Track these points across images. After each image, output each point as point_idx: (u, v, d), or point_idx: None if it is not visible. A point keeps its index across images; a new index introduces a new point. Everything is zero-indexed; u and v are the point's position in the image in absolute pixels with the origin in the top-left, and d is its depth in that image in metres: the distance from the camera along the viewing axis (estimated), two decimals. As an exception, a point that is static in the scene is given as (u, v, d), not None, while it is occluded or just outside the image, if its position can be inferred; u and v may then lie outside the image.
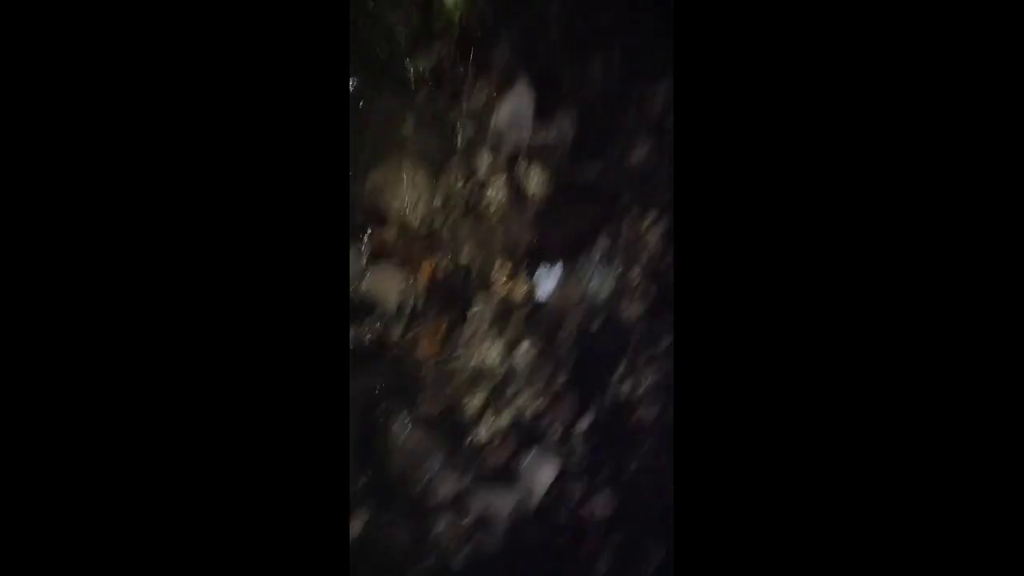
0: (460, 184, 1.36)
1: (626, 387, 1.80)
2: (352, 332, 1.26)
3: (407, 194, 1.27)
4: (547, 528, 1.68)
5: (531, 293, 1.45)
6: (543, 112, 1.51)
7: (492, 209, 1.40)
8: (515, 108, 1.37)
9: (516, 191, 1.40)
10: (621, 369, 1.78)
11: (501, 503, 1.55)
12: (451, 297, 1.38)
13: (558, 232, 1.54)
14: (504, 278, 1.40)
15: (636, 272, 1.78)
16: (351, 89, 1.18)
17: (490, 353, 1.45)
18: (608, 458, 1.79)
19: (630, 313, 1.76)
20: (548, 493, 1.62)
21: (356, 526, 1.33)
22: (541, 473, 1.60)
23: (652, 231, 1.81)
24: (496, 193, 1.39)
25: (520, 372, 1.51)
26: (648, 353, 1.80)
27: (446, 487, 1.43)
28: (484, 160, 1.33)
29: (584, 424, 1.71)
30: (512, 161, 1.35)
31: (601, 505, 1.83)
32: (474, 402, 1.45)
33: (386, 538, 1.39)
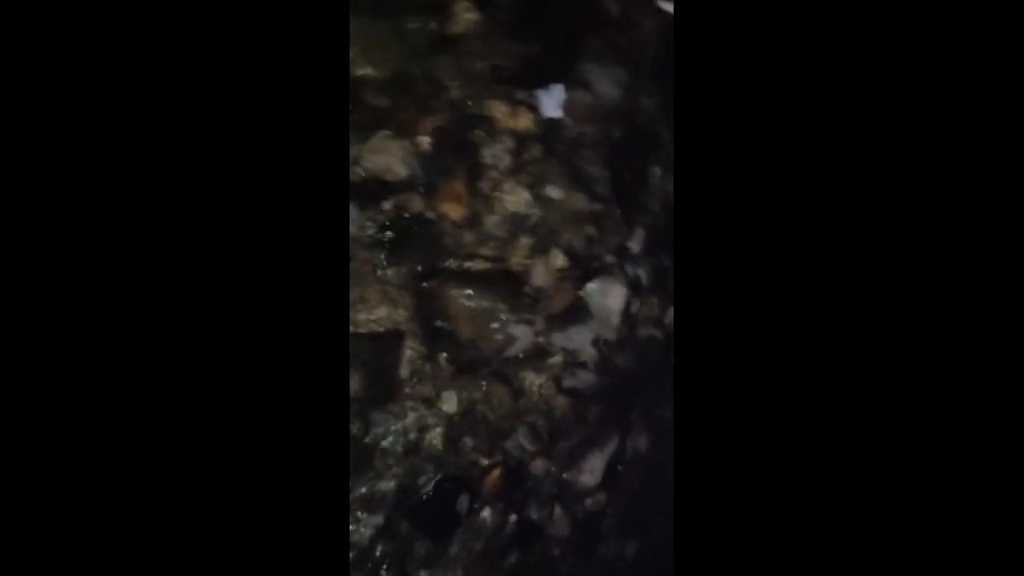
0: (421, 23, 1.19)
1: (670, 187, 1.68)
2: (370, 214, 1.17)
3: (372, 53, 1.12)
4: (635, 351, 1.65)
5: (538, 117, 1.32)
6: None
7: (465, 35, 1.24)
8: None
9: (483, 9, 1.23)
10: (658, 171, 1.66)
11: (582, 339, 1.51)
12: (459, 147, 1.26)
13: (543, 43, 1.37)
14: (504, 109, 1.26)
15: (641, 67, 1.61)
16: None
17: (520, 195, 1.35)
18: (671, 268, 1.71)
19: (648, 109, 1.62)
20: (624, 317, 1.57)
21: (452, 404, 1.31)
22: (611, 300, 1.54)
23: (646, 21, 1.62)
24: (462, 18, 1.22)
25: (556, 205, 1.41)
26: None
27: (523, 340, 1.39)
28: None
29: (637, 240, 1.62)
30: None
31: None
32: (520, 250, 1.37)
33: (486, 406, 1.37)
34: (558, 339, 1.47)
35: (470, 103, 1.25)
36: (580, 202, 1.47)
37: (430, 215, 1.26)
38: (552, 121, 1.36)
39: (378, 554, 1.29)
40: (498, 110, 1.27)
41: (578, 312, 1.50)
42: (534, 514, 1.52)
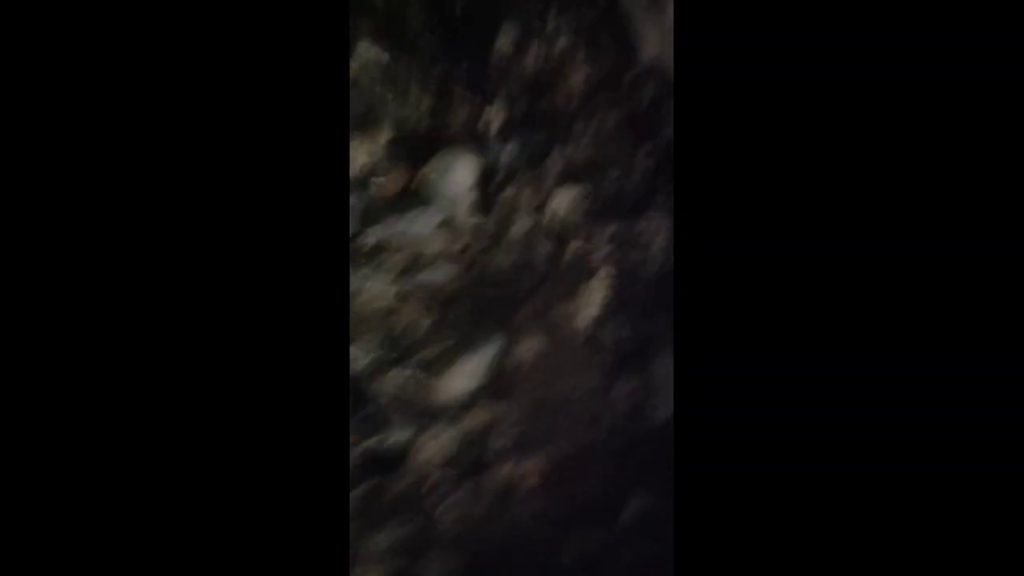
0: None
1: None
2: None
3: None
4: (511, 243, 1.43)
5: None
6: None
7: None
8: None
9: None
10: (512, 28, 1.40)
11: (424, 226, 1.30)
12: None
13: None
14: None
15: None
16: None
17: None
18: (544, 123, 1.47)
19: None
20: (484, 200, 1.35)
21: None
22: (459, 175, 1.32)
23: None
24: None
25: (370, 69, 1.19)
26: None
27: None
28: None
29: (496, 112, 1.39)
30: None
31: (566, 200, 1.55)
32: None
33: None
34: (394, 227, 1.27)
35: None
36: (400, 65, 1.23)
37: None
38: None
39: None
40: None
41: (416, 196, 1.29)
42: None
